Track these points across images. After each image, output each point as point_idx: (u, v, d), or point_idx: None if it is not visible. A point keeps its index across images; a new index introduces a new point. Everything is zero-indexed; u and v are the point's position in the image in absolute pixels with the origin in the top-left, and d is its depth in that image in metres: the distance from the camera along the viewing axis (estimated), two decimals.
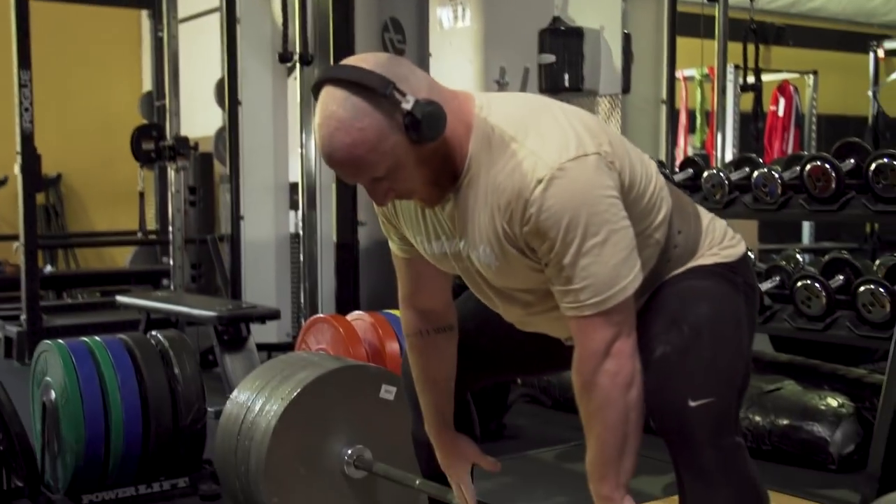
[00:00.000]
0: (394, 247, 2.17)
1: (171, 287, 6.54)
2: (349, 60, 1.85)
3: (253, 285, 5.63)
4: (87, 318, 6.55)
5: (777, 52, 9.41)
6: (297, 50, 4.58)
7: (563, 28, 5.04)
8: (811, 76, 9.56)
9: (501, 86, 5.52)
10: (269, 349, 5.28)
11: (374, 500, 2.82)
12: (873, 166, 3.47)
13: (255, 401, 2.78)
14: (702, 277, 2.00)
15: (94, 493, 3.34)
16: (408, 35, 5.06)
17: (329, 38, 4.78)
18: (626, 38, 5.06)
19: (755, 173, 3.83)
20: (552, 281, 1.86)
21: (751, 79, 7.52)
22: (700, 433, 1.85)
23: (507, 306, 2.05)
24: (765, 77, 7.97)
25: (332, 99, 1.77)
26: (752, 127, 7.84)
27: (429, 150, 1.81)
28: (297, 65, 5.52)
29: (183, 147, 6.26)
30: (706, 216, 2.11)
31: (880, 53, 10.76)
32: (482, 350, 2.27)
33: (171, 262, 6.53)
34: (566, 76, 5.00)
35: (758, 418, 3.86)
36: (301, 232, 4.71)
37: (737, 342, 1.98)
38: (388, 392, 2.82)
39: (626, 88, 5.10)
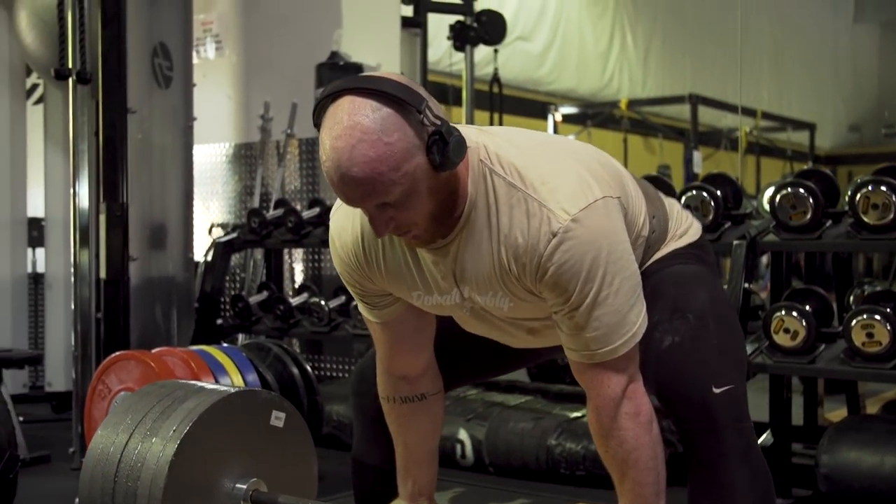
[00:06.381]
0: (366, 312, 2.05)
1: None
2: (369, 74, 1.72)
3: None
4: None
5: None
6: (72, 67, 4.17)
7: (342, 63, 4.99)
8: None
9: (266, 121, 5.38)
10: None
11: None
12: None
13: (133, 437, 2.47)
14: (685, 262, 2.05)
15: None
16: (175, 62, 4.78)
17: (98, 59, 4.41)
18: None
19: None
20: (559, 325, 1.82)
21: None
22: (724, 418, 1.89)
23: (514, 330, 2.00)
24: None
25: (356, 109, 1.63)
26: None
27: (442, 180, 1.72)
28: (44, 87, 5.09)
29: None
30: (661, 195, 2.14)
31: (557, 118, 11.66)
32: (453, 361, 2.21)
33: None
34: None
35: (570, 445, 3.96)
36: (73, 270, 4.28)
37: (735, 323, 2.05)
38: (278, 419, 2.61)
39: None
